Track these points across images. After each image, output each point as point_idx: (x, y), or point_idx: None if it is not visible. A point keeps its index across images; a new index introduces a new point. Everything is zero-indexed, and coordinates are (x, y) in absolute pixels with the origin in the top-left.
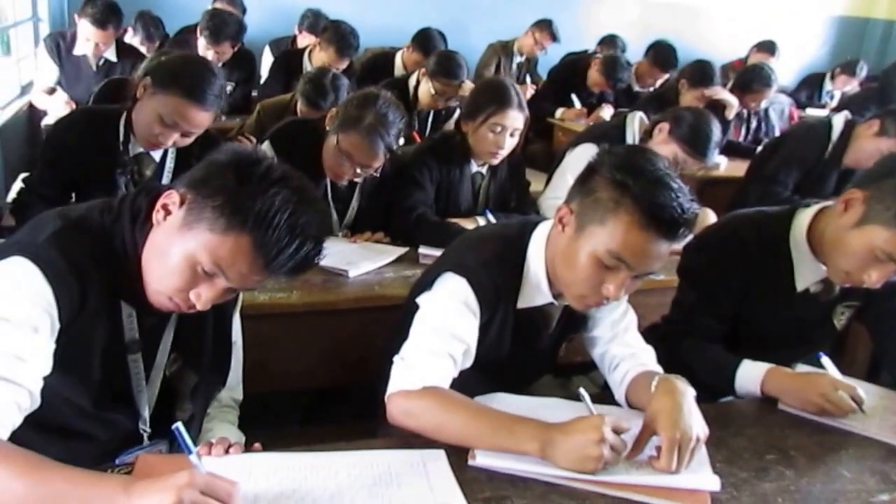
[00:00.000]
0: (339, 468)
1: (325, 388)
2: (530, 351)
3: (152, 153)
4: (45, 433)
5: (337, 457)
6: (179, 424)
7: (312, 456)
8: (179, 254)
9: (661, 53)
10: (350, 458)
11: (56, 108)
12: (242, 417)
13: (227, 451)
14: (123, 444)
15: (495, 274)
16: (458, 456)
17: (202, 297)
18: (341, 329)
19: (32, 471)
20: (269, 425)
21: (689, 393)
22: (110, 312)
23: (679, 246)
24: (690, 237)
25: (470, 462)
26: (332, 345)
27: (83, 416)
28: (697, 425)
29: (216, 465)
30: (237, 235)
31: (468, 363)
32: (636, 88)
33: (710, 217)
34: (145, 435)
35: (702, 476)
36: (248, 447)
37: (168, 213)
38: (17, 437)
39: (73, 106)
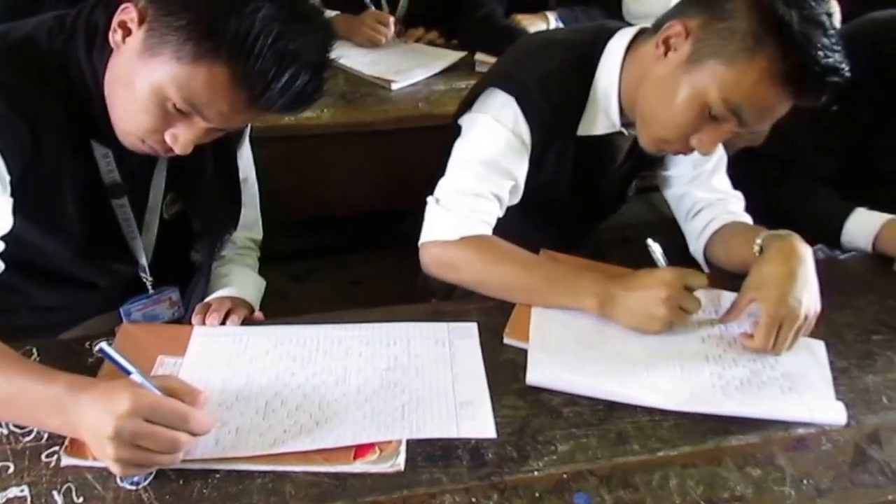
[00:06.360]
0: (352, 344)
1: (370, 214)
2: (593, 189)
3: None
4: (45, 282)
5: (349, 329)
6: (104, 345)
7: (320, 329)
8: (144, 86)
9: None
10: (365, 331)
11: None
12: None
13: (224, 320)
14: (129, 292)
15: (555, 92)
16: (491, 332)
17: (180, 140)
18: (382, 151)
19: None
20: (304, 256)
21: (808, 259)
22: (80, 154)
23: None
24: None
25: (506, 340)
26: (375, 168)
27: (76, 265)
28: (810, 301)
29: (206, 339)
30: (210, 66)
31: (515, 200)
32: None
33: None
34: (148, 283)
35: (823, 404)
36: (264, 304)
37: (127, 32)
38: (19, 289)
39: None
